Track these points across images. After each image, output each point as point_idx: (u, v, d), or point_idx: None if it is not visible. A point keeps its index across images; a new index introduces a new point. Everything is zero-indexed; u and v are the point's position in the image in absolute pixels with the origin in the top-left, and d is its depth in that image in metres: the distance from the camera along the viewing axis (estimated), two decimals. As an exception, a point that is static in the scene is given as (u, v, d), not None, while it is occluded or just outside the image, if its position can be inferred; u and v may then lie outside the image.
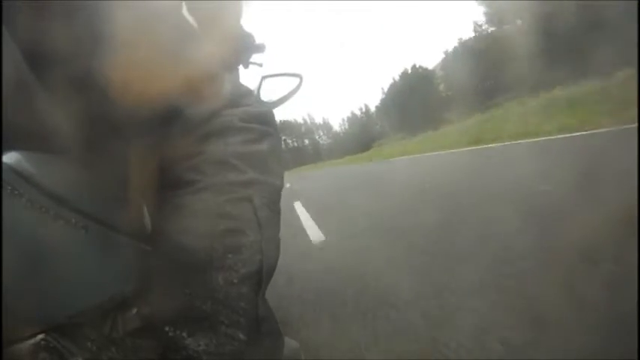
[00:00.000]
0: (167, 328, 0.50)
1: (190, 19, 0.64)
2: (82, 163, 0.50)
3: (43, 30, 0.46)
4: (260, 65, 0.88)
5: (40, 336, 0.43)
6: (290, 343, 0.83)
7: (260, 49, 0.85)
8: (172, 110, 0.54)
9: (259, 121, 0.63)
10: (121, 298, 0.51)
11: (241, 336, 0.51)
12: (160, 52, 0.52)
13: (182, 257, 0.51)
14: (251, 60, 0.87)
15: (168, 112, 0.54)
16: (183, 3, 0.63)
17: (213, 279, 0.50)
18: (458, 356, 0.90)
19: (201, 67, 0.58)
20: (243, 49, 0.82)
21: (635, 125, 3.63)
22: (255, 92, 0.82)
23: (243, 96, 0.69)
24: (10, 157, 0.42)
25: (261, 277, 0.53)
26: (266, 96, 0.84)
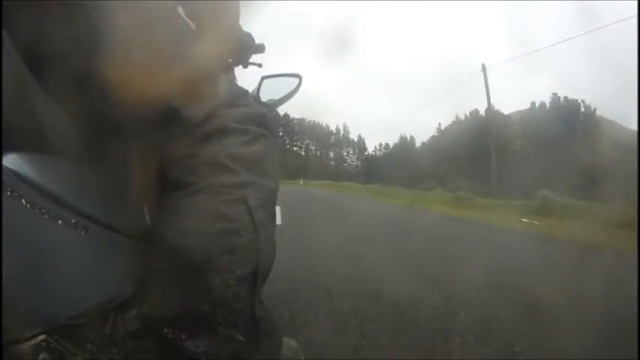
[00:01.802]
0: (166, 330, 0.50)
1: (188, 19, 0.64)
2: (81, 163, 0.50)
3: (42, 30, 0.46)
4: (259, 66, 0.88)
5: (41, 337, 0.43)
6: (289, 343, 0.84)
7: (259, 49, 0.85)
8: (170, 111, 0.54)
9: (255, 123, 0.63)
10: (121, 298, 0.51)
11: (239, 337, 0.51)
12: (158, 53, 0.52)
13: (178, 259, 0.51)
14: (250, 60, 0.87)
15: (166, 112, 0.54)
16: (181, 3, 0.63)
17: (209, 280, 0.50)
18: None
19: (199, 68, 0.58)
20: (241, 49, 0.82)
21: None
22: (255, 93, 0.82)
23: (240, 96, 0.69)
24: (9, 159, 0.42)
25: (256, 278, 0.54)
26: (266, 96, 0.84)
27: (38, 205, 0.43)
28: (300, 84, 0.92)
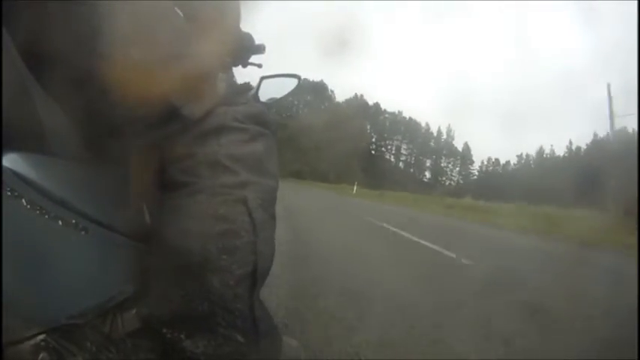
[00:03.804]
0: (165, 330, 0.50)
1: (186, 18, 0.64)
2: (81, 163, 0.50)
3: (43, 30, 0.46)
4: (259, 66, 0.88)
5: (41, 336, 0.43)
6: (289, 342, 0.84)
7: (259, 50, 0.85)
8: (169, 109, 0.55)
9: (254, 121, 0.63)
10: (121, 298, 0.51)
11: (238, 337, 0.52)
12: (156, 52, 0.52)
13: (178, 259, 0.51)
14: (251, 61, 0.87)
15: (165, 111, 0.54)
16: (180, 3, 0.63)
17: (208, 281, 0.50)
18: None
19: (197, 66, 0.58)
20: (241, 49, 0.82)
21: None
22: (254, 93, 0.82)
23: (238, 94, 0.69)
24: (9, 159, 0.42)
25: (255, 279, 0.54)
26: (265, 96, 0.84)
27: (38, 205, 0.43)
28: (299, 84, 0.92)
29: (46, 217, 0.44)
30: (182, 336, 0.50)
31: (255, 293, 0.54)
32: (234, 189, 0.55)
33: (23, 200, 0.42)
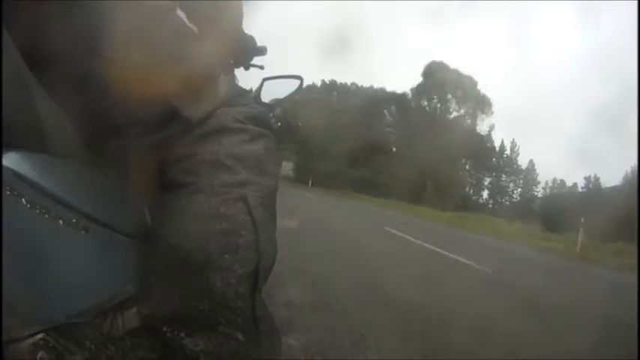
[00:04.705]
0: (165, 329, 0.50)
1: (188, 20, 0.64)
2: (82, 163, 0.50)
3: (42, 30, 0.46)
4: (261, 68, 0.88)
5: (40, 335, 0.43)
6: (288, 342, 0.83)
7: (261, 51, 0.86)
8: (170, 110, 0.55)
9: (254, 122, 0.63)
10: (121, 297, 0.51)
11: (239, 336, 0.51)
12: (157, 53, 0.52)
13: (179, 258, 0.51)
14: (252, 63, 0.87)
15: (166, 112, 0.55)
16: (181, 3, 0.64)
17: (210, 280, 0.51)
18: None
19: (198, 68, 0.59)
20: (242, 50, 0.83)
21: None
22: (256, 94, 0.83)
23: (239, 95, 0.69)
24: (9, 158, 0.43)
25: (257, 277, 0.54)
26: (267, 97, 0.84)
27: (38, 204, 0.43)
28: (301, 85, 0.92)
29: (47, 216, 0.44)
30: (182, 334, 0.50)
31: (257, 292, 0.54)
32: (234, 188, 0.55)
33: (23, 199, 0.42)
